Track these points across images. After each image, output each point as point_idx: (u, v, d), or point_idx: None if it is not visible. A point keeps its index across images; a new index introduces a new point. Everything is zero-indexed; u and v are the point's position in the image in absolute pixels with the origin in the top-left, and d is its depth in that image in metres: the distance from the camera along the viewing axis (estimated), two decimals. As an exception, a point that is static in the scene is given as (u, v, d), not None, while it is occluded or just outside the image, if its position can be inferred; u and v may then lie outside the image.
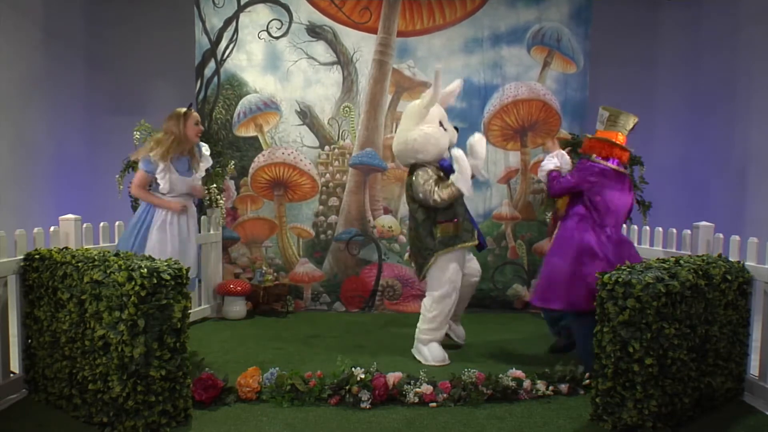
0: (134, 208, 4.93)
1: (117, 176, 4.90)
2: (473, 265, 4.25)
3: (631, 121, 3.77)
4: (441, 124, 4.02)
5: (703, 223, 3.97)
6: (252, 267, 5.53)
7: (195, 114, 3.79)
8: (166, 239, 3.68)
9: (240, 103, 5.57)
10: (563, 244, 3.76)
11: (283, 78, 5.58)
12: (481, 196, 5.60)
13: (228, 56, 5.56)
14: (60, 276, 3.03)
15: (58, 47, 6.69)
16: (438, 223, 3.94)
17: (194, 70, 5.61)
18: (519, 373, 3.40)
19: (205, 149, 3.95)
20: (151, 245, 3.63)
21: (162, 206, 3.71)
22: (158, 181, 3.68)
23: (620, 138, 3.74)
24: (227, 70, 5.57)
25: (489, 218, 5.61)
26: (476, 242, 4.03)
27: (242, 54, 5.57)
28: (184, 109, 3.76)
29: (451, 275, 3.95)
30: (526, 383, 3.34)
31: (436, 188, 3.85)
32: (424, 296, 4.10)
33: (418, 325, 4.07)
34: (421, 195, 3.89)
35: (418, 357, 4.05)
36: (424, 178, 3.89)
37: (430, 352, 3.97)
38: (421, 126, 3.97)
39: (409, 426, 2.95)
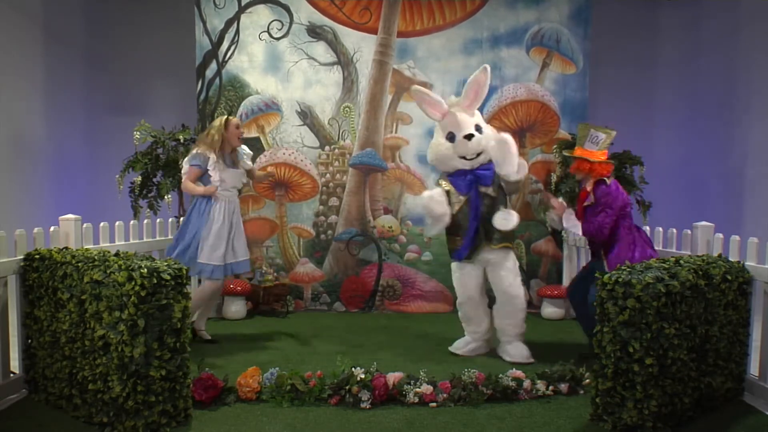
0: (134, 208, 4.94)
1: (117, 176, 4.90)
2: (497, 281, 4.08)
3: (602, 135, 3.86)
4: (452, 134, 4.01)
5: (703, 223, 3.97)
6: (252, 267, 5.53)
7: (235, 119, 4.30)
8: (224, 232, 4.18)
9: (242, 104, 5.58)
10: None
11: (283, 79, 5.59)
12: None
13: (230, 58, 5.57)
14: (60, 276, 3.03)
15: (58, 47, 6.69)
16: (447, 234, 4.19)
17: (194, 71, 5.61)
18: (519, 373, 3.40)
19: (246, 152, 4.41)
20: (209, 237, 4.13)
21: (204, 194, 4.15)
22: (210, 173, 4.12)
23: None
24: (229, 72, 5.57)
25: (489, 218, 5.61)
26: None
27: (243, 56, 5.57)
28: (225, 117, 4.28)
29: (457, 283, 4.17)
30: (526, 383, 3.34)
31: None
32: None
33: None
34: None
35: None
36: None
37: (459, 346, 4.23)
38: (437, 138, 4.16)
39: (409, 426, 2.95)
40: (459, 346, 4.21)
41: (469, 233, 4.00)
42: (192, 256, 4.12)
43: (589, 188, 3.84)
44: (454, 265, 4.18)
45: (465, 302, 4.15)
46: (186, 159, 4.25)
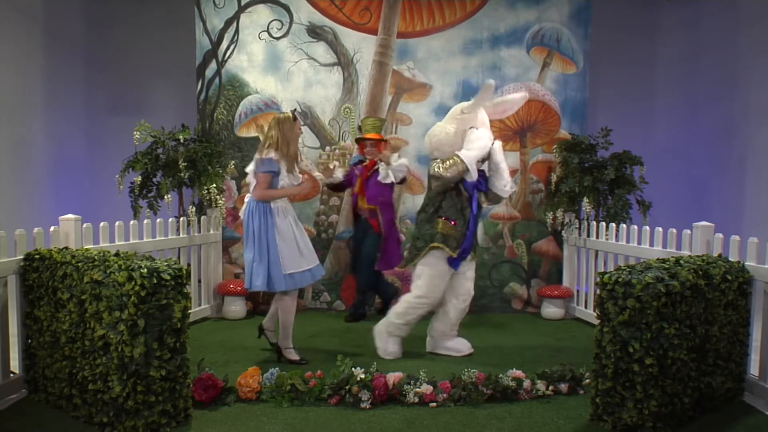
0: (134, 208, 4.94)
1: (117, 176, 4.90)
2: (466, 283, 4.16)
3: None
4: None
5: (703, 223, 3.97)
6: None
7: (299, 120, 3.97)
8: (293, 239, 3.81)
9: (241, 104, 5.58)
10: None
11: (283, 79, 5.59)
12: (481, 197, 5.60)
13: (229, 57, 5.57)
14: (60, 276, 3.03)
15: (58, 47, 6.69)
16: (439, 217, 3.98)
17: (194, 71, 5.62)
18: (519, 373, 3.40)
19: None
20: (283, 247, 3.75)
21: (295, 194, 3.98)
22: (279, 179, 3.80)
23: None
24: (228, 71, 5.58)
25: (486, 218, 5.61)
26: (454, 254, 3.96)
27: (243, 55, 5.57)
28: (289, 114, 3.88)
29: (434, 274, 3.96)
30: (526, 383, 3.34)
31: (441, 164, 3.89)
32: None
33: (391, 312, 4.11)
34: (430, 171, 3.97)
35: (378, 344, 4.12)
36: (439, 163, 3.92)
37: (389, 345, 4.09)
38: (448, 125, 4.01)
39: (409, 426, 2.95)
40: (395, 352, 4.10)
41: (471, 233, 4.00)
42: (276, 270, 3.73)
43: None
44: (441, 252, 3.95)
45: (429, 297, 4.01)
46: (253, 167, 3.83)
